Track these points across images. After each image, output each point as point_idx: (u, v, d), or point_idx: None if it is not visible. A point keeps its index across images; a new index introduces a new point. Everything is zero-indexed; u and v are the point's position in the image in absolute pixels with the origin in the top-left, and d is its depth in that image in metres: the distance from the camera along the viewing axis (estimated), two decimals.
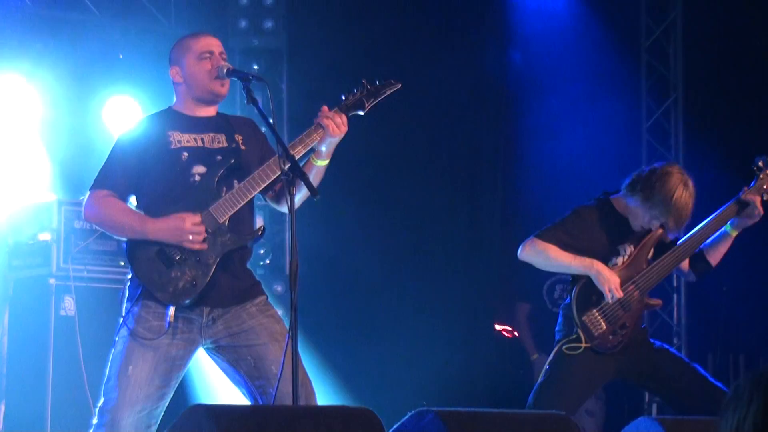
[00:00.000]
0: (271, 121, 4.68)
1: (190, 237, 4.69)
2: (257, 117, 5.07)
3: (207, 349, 4.86)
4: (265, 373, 4.71)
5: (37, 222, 7.37)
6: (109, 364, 4.79)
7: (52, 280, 7.18)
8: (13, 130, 8.68)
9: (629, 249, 5.70)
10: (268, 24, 9.10)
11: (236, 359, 4.79)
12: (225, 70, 4.93)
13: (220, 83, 4.94)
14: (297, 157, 4.70)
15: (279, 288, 8.23)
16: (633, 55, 10.01)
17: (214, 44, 5.04)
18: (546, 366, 5.69)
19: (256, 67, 8.98)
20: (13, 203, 7.78)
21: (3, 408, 7.22)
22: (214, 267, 4.74)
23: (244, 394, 4.86)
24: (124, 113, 8.56)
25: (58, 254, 7.20)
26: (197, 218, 4.70)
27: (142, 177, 4.85)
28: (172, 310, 4.70)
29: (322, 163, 4.86)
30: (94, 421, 4.75)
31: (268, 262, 8.65)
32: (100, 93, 8.81)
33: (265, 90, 4.88)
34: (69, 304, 7.08)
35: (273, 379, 4.63)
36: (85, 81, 8.97)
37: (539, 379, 5.70)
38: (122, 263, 7.15)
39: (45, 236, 7.22)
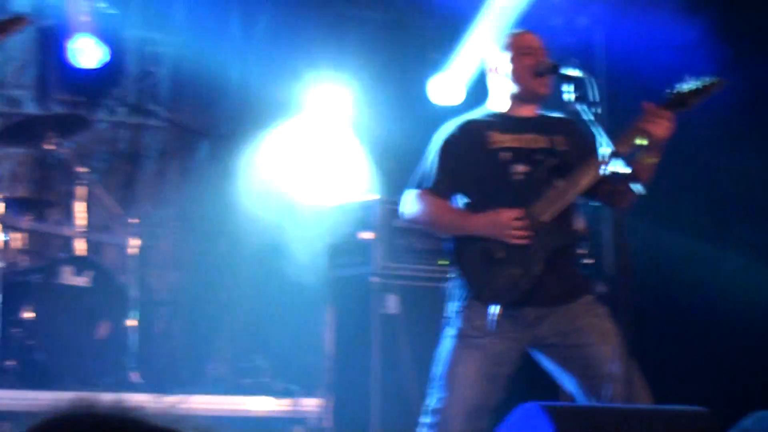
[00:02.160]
0: (595, 118, 4.71)
1: (509, 231, 4.76)
2: (575, 115, 5.09)
3: (534, 349, 4.95)
4: (596, 373, 4.76)
5: (359, 221, 7.66)
6: (437, 363, 4.93)
7: (374, 279, 7.42)
8: (332, 131, 9.08)
9: None
10: (583, 20, 9.11)
11: (565, 359, 4.87)
12: (546, 67, 4.99)
13: (541, 82, 5.02)
14: (622, 154, 4.71)
15: (602, 288, 8.18)
16: None
17: (534, 40, 5.14)
18: None
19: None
20: (332, 203, 8.10)
21: (331, 405, 7.53)
22: (538, 266, 4.81)
23: (573, 394, 4.92)
24: (441, 112, 8.74)
25: (379, 253, 7.44)
26: (516, 213, 4.79)
27: (463, 176, 5.01)
28: (497, 309, 4.80)
29: (652, 160, 4.84)
30: (425, 420, 4.91)
31: (591, 261, 8.62)
32: (416, 93, 9.04)
33: (586, 87, 4.89)
34: (392, 303, 7.30)
35: (605, 379, 4.68)
36: (398, 81, 9.25)
37: None
38: (443, 262, 7.32)
39: (367, 235, 7.46)
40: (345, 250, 7.75)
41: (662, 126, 4.78)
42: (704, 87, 4.87)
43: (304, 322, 8.41)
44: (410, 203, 5.07)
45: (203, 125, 9.52)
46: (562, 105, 5.06)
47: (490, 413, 4.89)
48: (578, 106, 4.84)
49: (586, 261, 8.43)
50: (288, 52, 9.40)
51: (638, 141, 4.83)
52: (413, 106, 9.04)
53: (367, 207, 7.68)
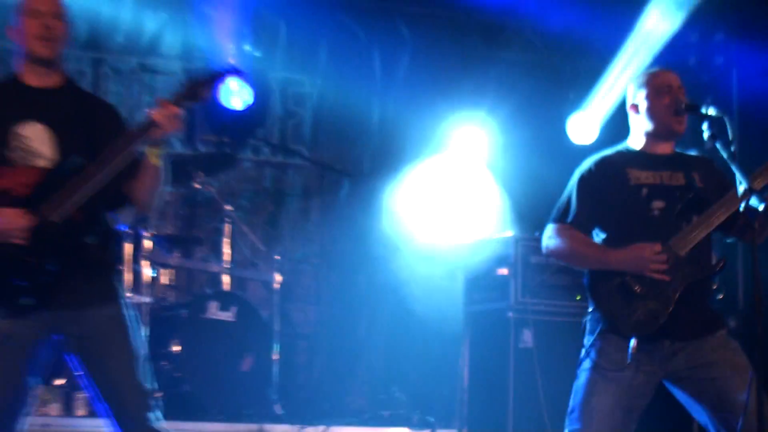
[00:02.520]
0: (731, 156, 4.74)
1: (651, 266, 4.82)
2: (712, 152, 5.12)
3: (668, 381, 5.00)
4: (729, 406, 4.80)
5: (495, 257, 7.76)
6: (573, 395, 5.03)
7: (510, 314, 7.51)
8: (471, 169, 9.19)
9: None
10: (718, 60, 9.07)
11: (698, 392, 4.93)
12: (685, 106, 5.04)
13: (677, 120, 5.08)
14: (758, 191, 4.73)
15: (732, 323, 8.11)
16: None
17: (672, 79, 5.21)
18: None
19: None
20: (470, 239, 8.23)
21: None
22: (675, 299, 4.88)
23: (706, 426, 4.95)
24: (577, 151, 8.79)
25: (515, 289, 7.54)
26: (657, 247, 4.88)
27: (602, 212, 5.12)
28: (634, 342, 4.87)
29: None
30: None
31: (721, 296, 8.56)
32: (552, 132, 9.09)
33: (723, 126, 4.92)
34: (527, 337, 7.37)
35: (737, 412, 4.70)
36: (535, 120, 9.31)
37: None
38: (578, 297, 7.37)
39: (503, 271, 7.55)
40: (482, 286, 7.87)
41: None
42: None
43: (441, 355, 8.50)
44: (551, 237, 5.19)
45: (345, 164, 9.69)
46: (698, 142, 5.08)
47: None
48: (715, 144, 4.87)
49: (719, 296, 8.39)
50: (428, 92, 9.56)
51: None
52: (550, 144, 9.11)
53: (503, 244, 7.78)
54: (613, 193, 5.09)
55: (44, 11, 4.58)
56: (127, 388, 4.55)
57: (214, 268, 8.24)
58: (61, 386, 7.04)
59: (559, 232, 5.12)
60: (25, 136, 4.52)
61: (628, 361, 4.87)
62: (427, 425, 7.75)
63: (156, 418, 4.62)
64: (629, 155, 5.19)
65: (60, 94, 4.65)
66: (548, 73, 9.70)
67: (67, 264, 4.48)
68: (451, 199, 9.26)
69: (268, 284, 8.45)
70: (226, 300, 7.78)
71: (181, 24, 9.32)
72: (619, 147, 5.28)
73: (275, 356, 7.92)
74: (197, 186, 8.20)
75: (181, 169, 8.23)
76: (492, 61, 9.88)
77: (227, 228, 8.23)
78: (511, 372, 7.39)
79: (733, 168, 4.77)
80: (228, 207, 8.28)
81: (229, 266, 8.19)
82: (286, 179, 9.76)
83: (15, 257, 4.40)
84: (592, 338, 5.02)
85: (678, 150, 5.24)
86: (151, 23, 9.39)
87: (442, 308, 8.53)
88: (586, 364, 5.00)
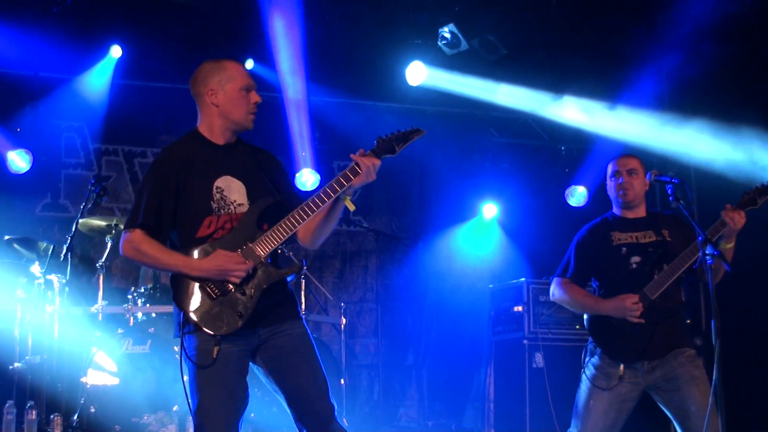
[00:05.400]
0: (691, 214, 4.85)
1: (630, 313, 5.03)
2: (677, 210, 5.18)
3: (649, 391, 5.09)
4: (684, 413, 4.94)
5: (513, 298, 7.82)
6: (576, 399, 5.20)
7: (525, 341, 7.63)
8: (492, 231, 9.27)
9: None
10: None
11: (667, 400, 5.09)
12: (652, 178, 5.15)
13: (621, 188, 5.23)
14: (712, 241, 4.84)
15: (698, 341, 8.12)
16: None
17: (622, 164, 5.40)
18: None
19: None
20: (492, 285, 8.27)
21: None
22: (649, 332, 5.05)
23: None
24: (573, 215, 8.86)
25: (528, 322, 7.65)
26: (635, 298, 5.07)
27: (594, 268, 5.32)
28: (621, 368, 5.05)
29: (730, 245, 5.04)
30: None
31: (689, 321, 8.56)
32: (551, 200, 9.18)
33: (684, 190, 5.03)
34: (539, 359, 7.45)
35: (692, 419, 4.86)
36: (539, 192, 9.37)
37: None
38: (577, 327, 7.42)
39: (518, 308, 7.65)
40: (503, 320, 7.99)
41: (737, 220, 4.91)
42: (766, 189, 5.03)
43: (473, 375, 8.52)
44: (556, 289, 5.39)
45: (394, 230, 9.77)
46: (666, 203, 5.17)
47: None
48: (679, 204, 4.98)
49: (686, 320, 8.42)
50: (455, 173, 9.64)
51: (721, 231, 4.96)
52: (551, 208, 9.22)
53: (518, 287, 7.90)
54: (601, 253, 5.27)
55: (252, 86, 4.21)
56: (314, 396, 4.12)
57: None
58: (176, 411, 7.04)
59: (562, 286, 5.32)
60: (222, 188, 4.13)
61: (616, 383, 5.02)
62: (463, 431, 7.76)
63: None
64: (612, 221, 5.36)
65: (238, 149, 4.25)
66: (549, 154, 9.78)
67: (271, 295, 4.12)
68: (479, 253, 9.34)
69: (336, 325, 8.46)
70: None
71: None
72: (606, 214, 5.41)
73: (342, 381, 7.85)
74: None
75: None
76: (505, 147, 9.98)
77: (303, 282, 8.25)
78: (527, 386, 7.48)
79: (693, 223, 4.87)
80: (303, 267, 8.30)
81: (305, 312, 8.17)
82: (349, 243, 9.75)
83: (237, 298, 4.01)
84: (590, 359, 5.18)
85: (650, 210, 5.35)
86: None
87: (473, 338, 8.60)
88: (586, 377, 5.11)
